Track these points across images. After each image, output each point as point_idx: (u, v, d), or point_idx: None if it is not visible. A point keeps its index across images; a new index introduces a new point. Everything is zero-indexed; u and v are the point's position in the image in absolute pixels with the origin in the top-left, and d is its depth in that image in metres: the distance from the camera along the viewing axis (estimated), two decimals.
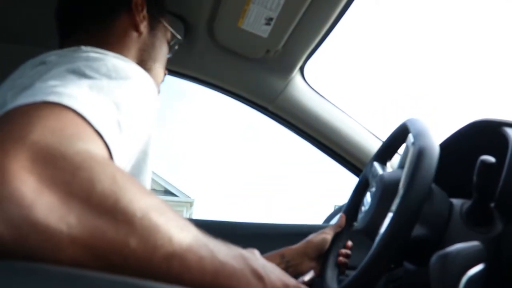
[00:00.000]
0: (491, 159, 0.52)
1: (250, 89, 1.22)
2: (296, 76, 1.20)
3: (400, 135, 0.75)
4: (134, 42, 0.70)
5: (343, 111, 1.26)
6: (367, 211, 0.71)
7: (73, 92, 0.39)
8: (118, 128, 0.42)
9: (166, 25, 0.79)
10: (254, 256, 0.44)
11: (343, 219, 0.86)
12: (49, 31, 0.71)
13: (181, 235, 0.34)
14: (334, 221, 1.36)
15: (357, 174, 1.27)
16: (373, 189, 0.73)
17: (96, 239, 0.30)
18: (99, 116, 0.39)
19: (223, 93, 1.25)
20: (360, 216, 0.77)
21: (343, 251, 0.85)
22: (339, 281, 0.77)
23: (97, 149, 0.37)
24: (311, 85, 1.24)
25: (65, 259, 0.28)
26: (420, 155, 0.58)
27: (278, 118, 1.27)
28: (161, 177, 12.49)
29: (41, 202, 0.28)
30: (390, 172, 0.72)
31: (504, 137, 0.61)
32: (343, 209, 0.88)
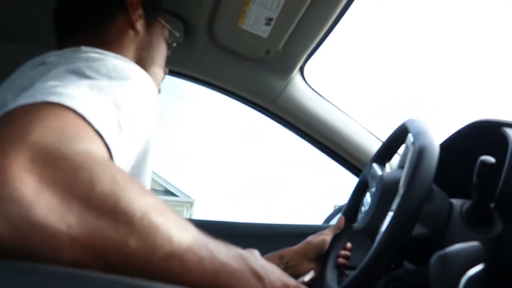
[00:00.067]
0: (491, 159, 0.51)
1: (250, 89, 1.23)
2: (296, 76, 1.20)
3: (400, 135, 0.75)
4: (132, 41, 0.70)
5: (343, 111, 1.26)
6: (367, 211, 0.71)
7: (73, 93, 0.39)
8: (118, 128, 0.42)
9: (164, 23, 0.79)
10: (253, 257, 0.44)
11: (342, 221, 0.86)
12: (49, 31, 0.71)
13: (180, 235, 0.34)
14: (334, 221, 1.36)
15: (357, 175, 1.27)
16: (373, 189, 0.73)
17: (96, 239, 0.30)
18: (99, 116, 0.39)
19: (223, 93, 1.25)
20: (360, 216, 0.77)
21: (343, 252, 0.85)
22: (339, 282, 0.77)
23: (97, 149, 0.37)
24: (311, 85, 1.24)
25: (65, 259, 0.28)
26: (420, 154, 0.58)
27: (278, 118, 1.27)
28: (161, 177, 12.50)
29: (41, 202, 0.28)
30: (390, 172, 0.72)
31: (504, 137, 0.61)
32: (343, 210, 0.88)
